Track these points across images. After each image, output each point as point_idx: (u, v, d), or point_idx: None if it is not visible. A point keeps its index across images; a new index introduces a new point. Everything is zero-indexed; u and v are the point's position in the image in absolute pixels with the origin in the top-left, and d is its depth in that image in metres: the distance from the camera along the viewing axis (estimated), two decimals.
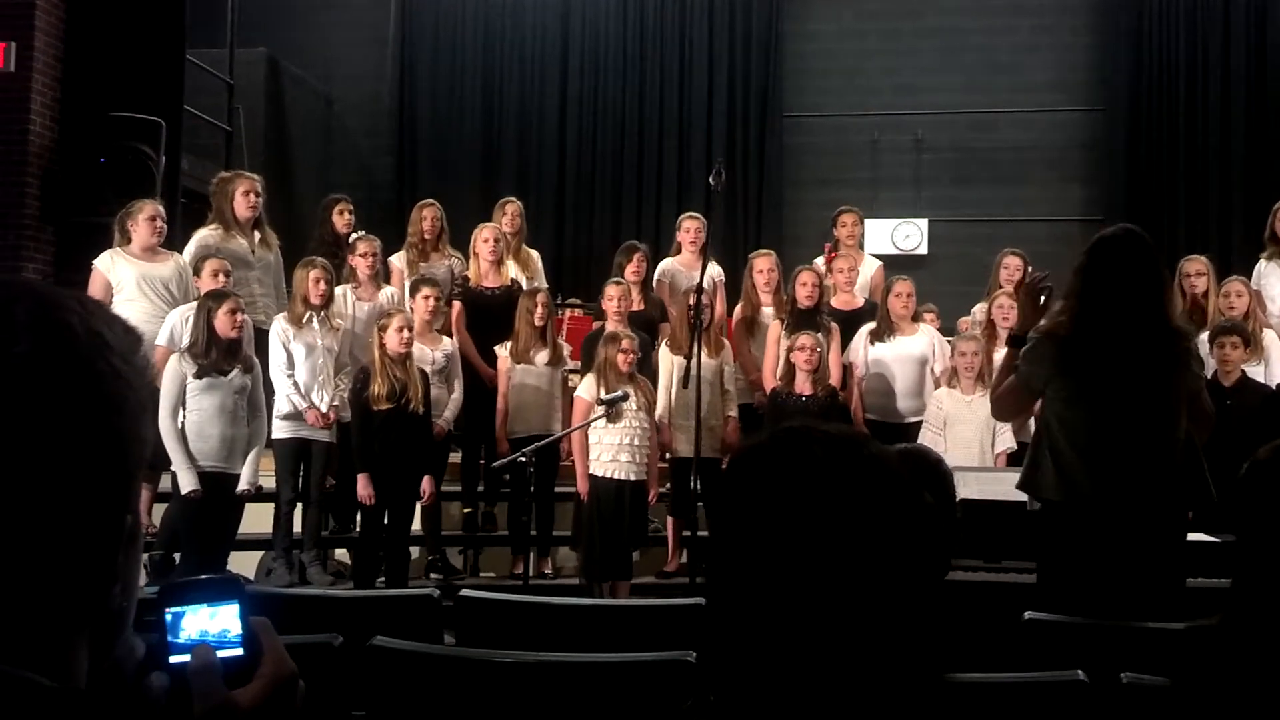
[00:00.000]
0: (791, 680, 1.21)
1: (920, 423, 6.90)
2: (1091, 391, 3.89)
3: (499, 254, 7.47)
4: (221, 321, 6.01)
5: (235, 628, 1.14)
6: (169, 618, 1.13)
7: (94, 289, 6.50)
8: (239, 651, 1.13)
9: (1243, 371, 6.44)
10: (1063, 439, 3.97)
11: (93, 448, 0.95)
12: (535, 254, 8.24)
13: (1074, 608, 3.48)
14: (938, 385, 7.00)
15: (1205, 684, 2.07)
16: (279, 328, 6.66)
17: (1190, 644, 2.20)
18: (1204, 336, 6.72)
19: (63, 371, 0.94)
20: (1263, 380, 6.63)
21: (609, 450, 6.37)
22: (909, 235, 11.92)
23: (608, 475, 6.37)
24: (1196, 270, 7.10)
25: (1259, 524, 2.13)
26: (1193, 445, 4.07)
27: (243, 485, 6.12)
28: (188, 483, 5.94)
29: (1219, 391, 6.40)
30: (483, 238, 7.45)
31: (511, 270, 7.68)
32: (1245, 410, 6.36)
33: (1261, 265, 7.44)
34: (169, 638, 1.13)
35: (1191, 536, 5.37)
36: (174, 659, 1.11)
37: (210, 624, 1.14)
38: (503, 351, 7.02)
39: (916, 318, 7.32)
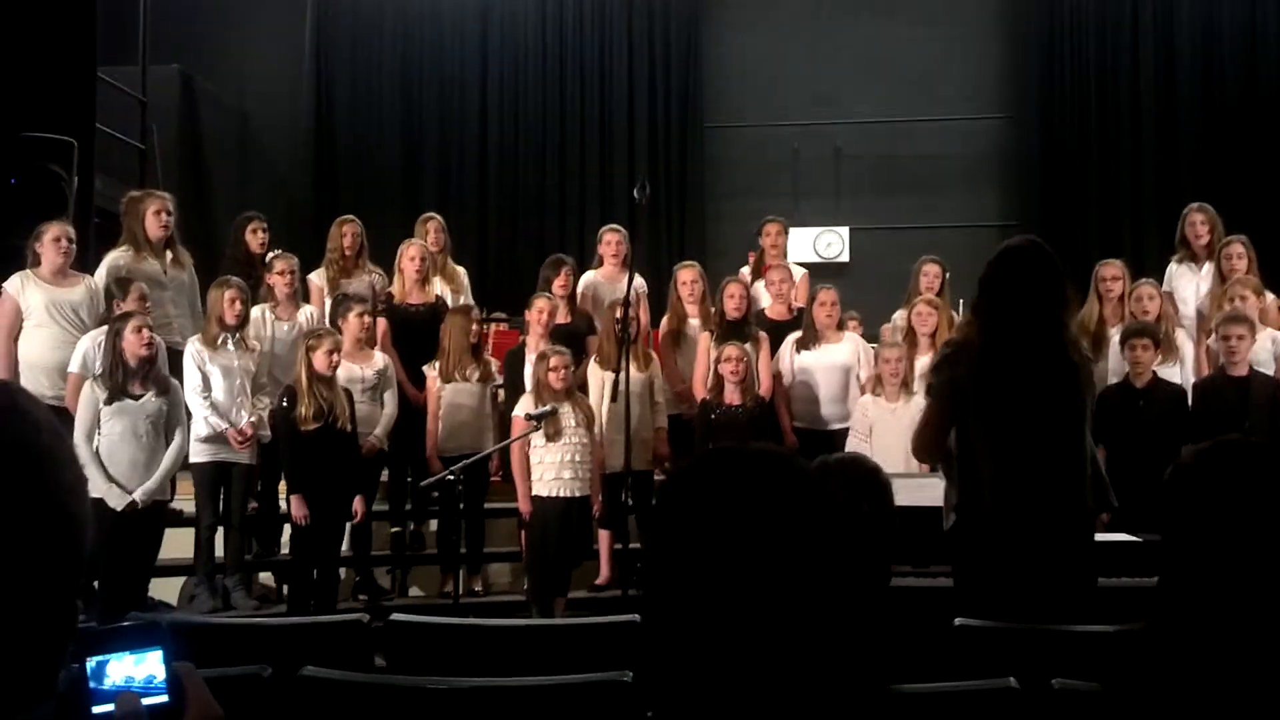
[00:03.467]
0: (732, 698, 1.20)
1: (847, 430, 6.96)
2: (1001, 401, 3.95)
3: (424, 272, 7.40)
4: (130, 340, 5.91)
5: (160, 674, 1.13)
6: (92, 665, 1.11)
7: (3, 313, 6.36)
8: (164, 698, 1.12)
9: (1154, 373, 6.58)
10: (975, 448, 4.02)
11: (49, 530, 0.94)
12: (461, 270, 8.16)
13: (991, 612, 3.52)
14: (863, 392, 7.07)
15: (1134, 688, 2.10)
16: (193, 350, 6.54)
17: (1118, 649, 2.23)
18: (1114, 339, 6.88)
19: (27, 459, 0.94)
20: (1178, 380, 6.78)
21: (551, 469, 6.35)
22: (830, 244, 12.03)
23: (552, 494, 6.34)
24: (1113, 274, 7.23)
25: (1182, 528, 2.16)
26: (1094, 454, 4.15)
27: (137, 495, 5.91)
28: (115, 498, 5.84)
29: (1131, 393, 6.54)
30: (408, 255, 7.37)
31: (437, 287, 7.62)
32: (1157, 410, 6.50)
33: (1173, 268, 7.60)
34: (92, 685, 1.10)
35: (1113, 537, 5.49)
36: (98, 709, 1.09)
37: (135, 670, 1.12)
38: (431, 371, 6.97)
39: (841, 326, 7.38)
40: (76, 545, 0.97)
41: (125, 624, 1.15)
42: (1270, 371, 6.64)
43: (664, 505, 1.29)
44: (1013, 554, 3.90)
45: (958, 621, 3.25)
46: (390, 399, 6.89)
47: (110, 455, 5.91)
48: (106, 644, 1.12)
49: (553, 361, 6.37)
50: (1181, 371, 6.88)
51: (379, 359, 6.94)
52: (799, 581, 1.21)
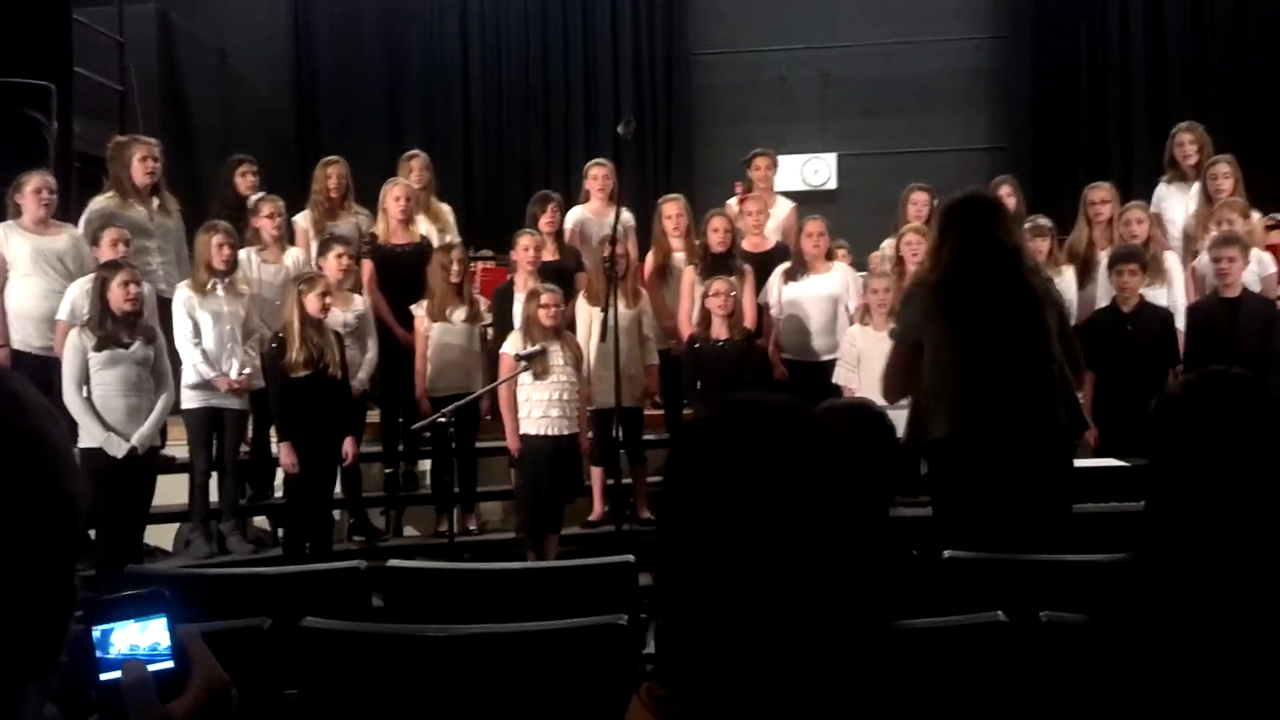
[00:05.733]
0: (748, 645, 1.22)
1: (835, 360, 6.96)
2: (963, 330, 4.05)
3: (410, 211, 7.34)
4: (115, 294, 5.88)
5: (164, 641, 1.14)
6: (97, 634, 1.13)
7: None
8: (169, 664, 1.14)
9: (1141, 296, 6.59)
10: (941, 379, 4.11)
11: (50, 512, 0.95)
12: (446, 207, 8.09)
13: (969, 539, 3.57)
14: (852, 322, 7.07)
15: (1121, 620, 2.13)
16: (183, 296, 6.50)
17: (1105, 580, 2.26)
18: (1103, 263, 6.88)
19: (20, 442, 0.94)
20: (1166, 303, 6.78)
21: (539, 407, 6.34)
22: (818, 171, 11.96)
23: (541, 433, 6.35)
24: (1101, 198, 7.22)
25: (1169, 460, 2.18)
26: (1065, 375, 4.24)
27: (134, 441, 5.92)
28: (115, 446, 5.84)
29: (1119, 317, 6.56)
30: (393, 195, 7.29)
31: (422, 226, 7.56)
32: (1145, 334, 6.53)
33: (1161, 189, 7.59)
34: (99, 654, 1.12)
35: (1100, 462, 5.55)
36: (105, 676, 1.11)
37: (140, 638, 1.14)
38: (419, 311, 6.94)
39: (830, 255, 7.36)
40: (74, 525, 0.99)
41: (129, 592, 1.16)
42: (1256, 292, 6.65)
43: (681, 455, 1.29)
44: (987, 475, 3.98)
45: (946, 554, 3.29)
46: (371, 342, 6.87)
47: (105, 404, 5.90)
48: (111, 612, 1.13)
49: (544, 299, 6.35)
50: (1170, 294, 6.88)
51: (358, 302, 6.90)
52: (815, 530, 1.23)
